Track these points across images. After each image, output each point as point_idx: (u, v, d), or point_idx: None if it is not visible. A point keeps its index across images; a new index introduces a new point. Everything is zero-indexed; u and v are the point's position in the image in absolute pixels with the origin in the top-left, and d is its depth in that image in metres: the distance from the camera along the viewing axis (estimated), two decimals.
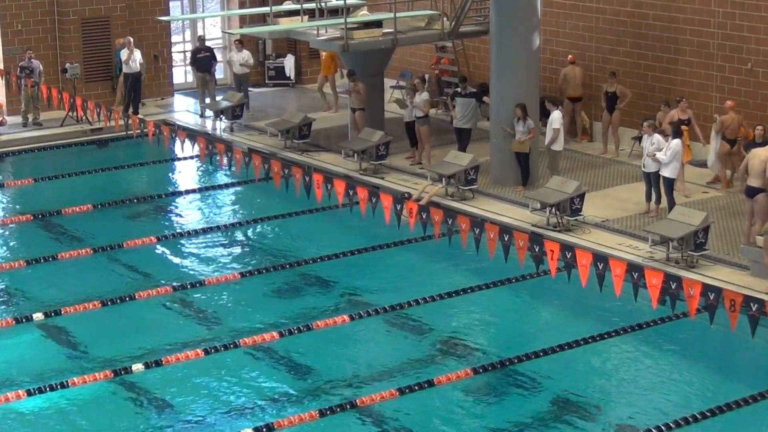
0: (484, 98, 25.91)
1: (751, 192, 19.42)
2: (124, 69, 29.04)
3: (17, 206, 24.26)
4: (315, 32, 26.24)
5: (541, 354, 16.86)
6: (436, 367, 16.86)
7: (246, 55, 30.12)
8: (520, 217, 21.70)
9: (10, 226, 22.84)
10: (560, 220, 21.14)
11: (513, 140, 23.24)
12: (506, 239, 17.08)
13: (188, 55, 32.78)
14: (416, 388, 15.86)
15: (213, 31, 32.83)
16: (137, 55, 28.98)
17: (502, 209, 22.30)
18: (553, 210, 21.14)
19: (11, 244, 22.22)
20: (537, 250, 16.68)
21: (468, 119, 24.80)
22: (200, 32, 32.42)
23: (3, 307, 19.12)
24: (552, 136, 22.99)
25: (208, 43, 30.97)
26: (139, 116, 25.24)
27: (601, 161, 25.14)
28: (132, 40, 29.16)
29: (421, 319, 18.40)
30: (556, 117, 23.07)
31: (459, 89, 25.18)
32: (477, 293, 19.08)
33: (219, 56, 31.79)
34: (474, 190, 23.05)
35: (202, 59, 29.96)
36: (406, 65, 30.53)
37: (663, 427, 14.87)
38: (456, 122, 25.02)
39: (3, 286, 19.96)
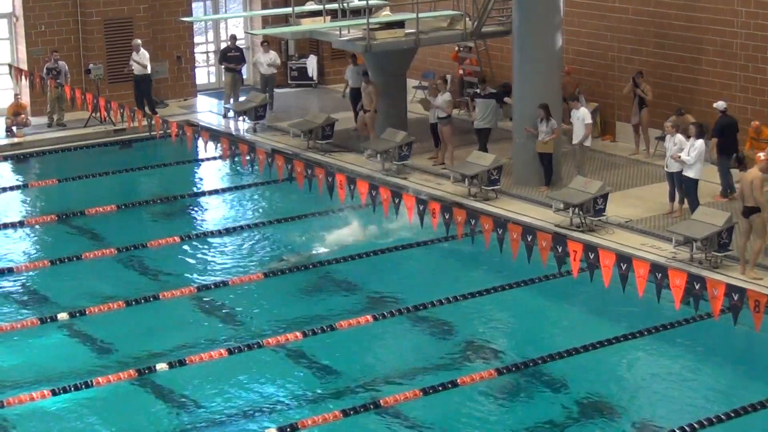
0: (506, 99, 25.90)
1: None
2: (134, 71, 29.16)
3: (42, 206, 24.37)
4: (337, 33, 26.29)
5: (564, 355, 16.84)
6: (460, 367, 16.87)
7: (273, 56, 30.24)
8: (543, 218, 21.68)
9: (35, 226, 22.94)
10: (583, 221, 21.12)
11: (536, 140, 23.22)
12: (529, 239, 17.06)
13: (212, 56, 32.91)
14: (439, 388, 15.86)
15: (236, 32, 32.81)
16: (144, 56, 29.05)
17: (525, 209, 22.29)
18: (577, 210, 21.12)
19: (36, 244, 22.33)
20: (560, 250, 16.65)
21: (488, 120, 24.78)
22: (226, 33, 32.51)
23: (28, 306, 19.22)
24: (585, 132, 22.96)
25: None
26: (162, 117, 25.27)
27: (625, 161, 25.10)
28: (140, 42, 29.26)
29: (444, 319, 18.41)
30: (586, 113, 23.06)
31: (478, 90, 25.17)
32: (500, 293, 19.07)
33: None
34: (497, 190, 23.04)
35: (232, 59, 30.04)
36: (429, 66, 30.52)
37: (687, 428, 14.85)
38: (476, 123, 25.00)
39: (28, 286, 20.06)
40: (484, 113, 24.72)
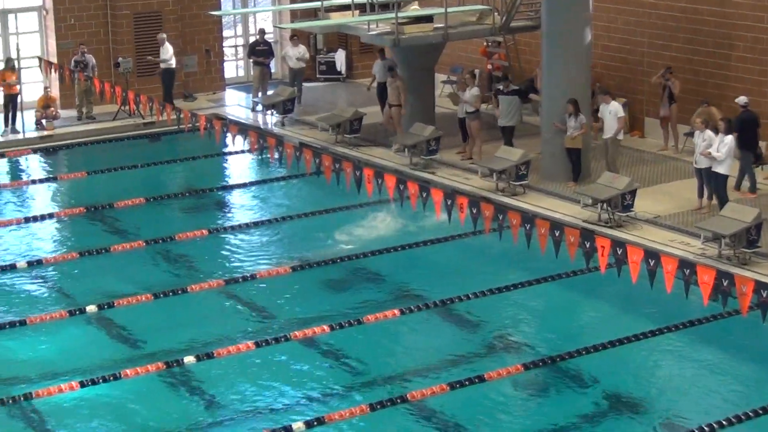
0: (531, 95, 25.83)
1: None
2: (161, 64, 29.26)
3: (70, 199, 24.49)
4: (366, 27, 26.30)
5: (591, 350, 16.82)
6: (487, 362, 16.87)
7: (302, 50, 30.33)
8: (571, 213, 21.65)
9: (64, 218, 23.06)
10: (611, 216, 21.07)
11: (565, 136, 23.18)
12: (557, 235, 17.03)
13: (240, 49, 32.98)
14: (466, 383, 15.84)
15: (265, 26, 32.87)
16: (167, 50, 29.12)
17: (553, 205, 22.26)
18: (605, 206, 21.07)
19: (65, 236, 22.44)
20: (588, 246, 16.62)
21: (510, 117, 24.70)
22: (254, 26, 32.58)
23: (56, 299, 19.32)
24: (618, 126, 22.91)
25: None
26: (190, 110, 25.34)
27: (653, 157, 25.02)
28: (165, 36, 29.36)
29: (471, 314, 18.41)
30: (618, 107, 23.02)
31: (501, 87, 25.11)
32: (527, 289, 19.05)
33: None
34: (525, 185, 23.01)
35: (261, 52, 30.12)
36: (457, 60, 30.49)
37: (715, 425, 14.80)
38: (500, 121, 24.90)
39: (57, 278, 20.16)
40: (507, 111, 24.64)
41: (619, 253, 16.16)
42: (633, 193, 21.04)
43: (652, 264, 15.86)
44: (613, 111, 23.02)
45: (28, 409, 15.55)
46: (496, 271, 20.00)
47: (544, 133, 23.94)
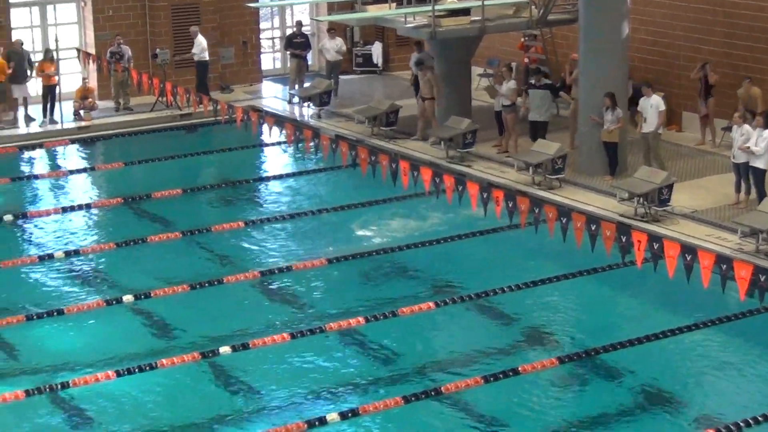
0: (561, 93, 25.75)
1: None
2: (194, 57, 29.33)
3: (108, 190, 24.61)
4: (403, 19, 26.28)
5: (627, 345, 16.77)
6: (521, 355, 16.87)
7: (339, 43, 30.38)
8: (607, 207, 21.58)
9: (101, 209, 23.18)
10: (648, 211, 21.00)
11: (602, 129, 23.10)
12: (593, 229, 17.02)
13: (277, 41, 33.04)
14: (501, 376, 15.85)
15: (302, 18, 32.90)
16: (199, 43, 29.20)
17: (589, 199, 22.20)
18: (641, 200, 21.01)
19: (102, 226, 22.55)
20: (624, 240, 16.59)
21: (542, 112, 24.59)
22: (292, 19, 32.62)
23: (93, 288, 19.43)
24: (659, 120, 22.84)
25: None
26: (227, 102, 25.42)
27: (690, 151, 24.91)
28: (197, 29, 29.43)
29: (506, 307, 18.40)
30: (659, 100, 22.94)
31: (533, 81, 25.02)
32: (563, 282, 19.03)
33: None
34: (561, 179, 22.96)
35: (298, 45, 30.18)
36: (494, 53, 30.44)
37: (751, 421, 14.74)
38: (530, 115, 24.79)
39: (94, 268, 20.28)
40: (539, 105, 24.52)
41: (656, 247, 16.14)
42: (670, 187, 20.97)
43: (688, 259, 15.83)
44: (654, 104, 22.93)
45: (65, 397, 15.66)
46: (532, 264, 19.98)
47: (580, 127, 23.89)
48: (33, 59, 28.28)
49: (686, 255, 15.87)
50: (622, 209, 21.37)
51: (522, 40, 29.43)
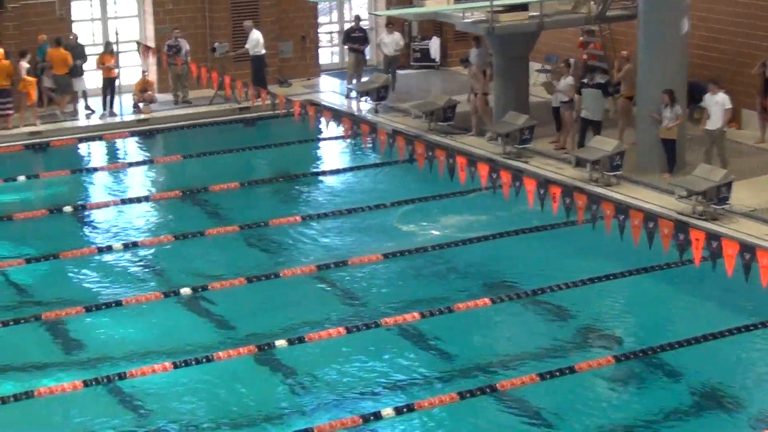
0: (611, 92, 25.60)
1: None
2: (249, 52, 29.39)
3: (166, 182, 24.78)
4: (461, 15, 26.25)
5: (684, 344, 16.65)
6: (577, 353, 16.81)
7: (398, 38, 30.40)
8: (665, 205, 21.45)
9: (160, 201, 23.33)
10: (706, 209, 20.85)
11: (660, 126, 22.96)
12: (651, 226, 16.94)
13: (336, 36, 33.09)
14: (557, 373, 15.79)
15: (360, 13, 32.92)
16: (252, 39, 29.27)
17: (647, 196, 22.07)
18: (700, 198, 20.86)
19: (160, 219, 22.70)
20: (682, 238, 16.49)
21: (594, 111, 24.39)
22: (350, 13, 32.65)
23: (151, 280, 19.59)
24: (725, 117, 22.67)
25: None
26: (285, 96, 25.50)
27: (750, 149, 24.71)
28: (251, 23, 29.51)
29: (562, 304, 18.34)
30: (725, 98, 22.76)
31: (586, 80, 24.84)
32: (620, 280, 18.92)
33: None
34: (619, 176, 22.84)
35: (356, 39, 30.24)
36: (552, 49, 30.32)
37: None
38: (582, 113, 24.61)
39: (152, 260, 20.43)
40: (590, 104, 24.34)
41: (714, 246, 16.03)
42: (729, 185, 20.81)
43: (747, 258, 15.71)
44: (720, 102, 22.74)
45: (122, 388, 15.80)
46: (588, 262, 19.88)
47: (639, 124, 23.75)
48: (88, 53, 28.52)
49: (745, 254, 15.75)
50: (680, 207, 21.23)
51: (581, 39, 29.28)
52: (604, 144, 23.06)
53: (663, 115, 22.87)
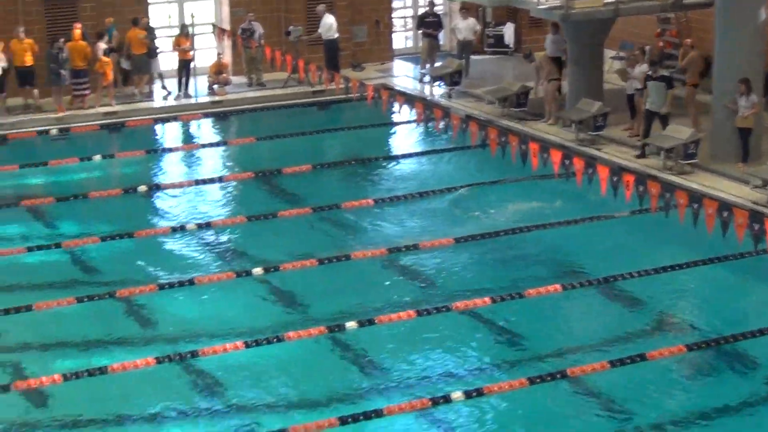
0: (675, 85, 25.39)
1: None
2: (322, 36, 29.44)
3: (239, 164, 24.94)
4: (536, 1, 26.14)
5: (757, 334, 16.50)
6: (649, 341, 16.72)
7: (473, 23, 30.36)
8: (739, 194, 21.26)
9: (233, 183, 23.50)
10: None
11: (737, 116, 22.75)
12: (725, 216, 16.81)
13: (410, 21, 33.10)
14: (628, 361, 15.70)
15: None
16: (324, 23, 29.30)
17: (722, 185, 21.89)
18: None
19: (233, 200, 22.87)
20: (756, 228, 16.35)
21: (658, 104, 24.11)
22: None
23: (224, 260, 19.75)
24: None
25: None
26: (359, 80, 25.56)
27: None
28: (323, 7, 29.54)
29: (634, 292, 18.25)
30: None
31: (650, 72, 24.55)
32: (693, 269, 18.77)
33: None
34: (693, 164, 22.67)
35: (430, 24, 30.24)
36: (627, 36, 30.10)
37: None
38: (648, 105, 24.34)
39: (225, 241, 20.60)
40: (654, 96, 24.07)
41: None
42: None
43: None
44: None
45: (194, 365, 15.96)
46: (661, 250, 19.75)
47: (714, 113, 23.54)
48: (165, 35, 28.80)
49: None
50: (755, 197, 21.04)
51: (658, 30, 29.02)
52: (678, 132, 22.89)
53: (739, 104, 22.65)
